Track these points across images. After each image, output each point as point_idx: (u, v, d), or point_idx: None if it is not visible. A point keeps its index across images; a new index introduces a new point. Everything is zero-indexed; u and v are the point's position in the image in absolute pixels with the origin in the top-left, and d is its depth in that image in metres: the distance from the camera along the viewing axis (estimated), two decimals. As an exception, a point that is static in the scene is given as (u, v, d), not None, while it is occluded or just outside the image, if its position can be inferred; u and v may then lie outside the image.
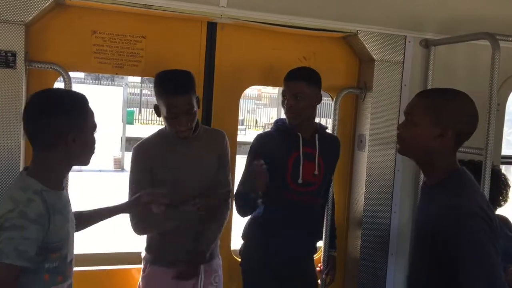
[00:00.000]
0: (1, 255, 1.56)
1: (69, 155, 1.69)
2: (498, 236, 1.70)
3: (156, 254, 2.44)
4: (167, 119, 2.30)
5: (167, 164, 2.37)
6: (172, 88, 2.26)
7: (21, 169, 2.41)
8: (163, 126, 2.46)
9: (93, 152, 1.77)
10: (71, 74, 2.53)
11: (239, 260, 2.70)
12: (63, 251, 1.74)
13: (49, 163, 1.69)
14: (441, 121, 1.74)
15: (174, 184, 2.36)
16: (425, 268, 1.78)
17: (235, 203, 2.48)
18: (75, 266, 2.69)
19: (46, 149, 1.69)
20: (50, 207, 1.67)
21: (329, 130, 2.75)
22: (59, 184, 1.74)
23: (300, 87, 2.43)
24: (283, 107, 2.51)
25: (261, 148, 2.52)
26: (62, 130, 1.65)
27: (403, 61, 2.95)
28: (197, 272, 2.39)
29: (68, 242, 1.77)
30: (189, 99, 2.27)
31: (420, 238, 1.82)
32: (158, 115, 2.37)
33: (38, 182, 1.67)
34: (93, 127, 1.75)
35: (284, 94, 2.50)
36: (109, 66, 2.64)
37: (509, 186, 2.87)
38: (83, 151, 1.72)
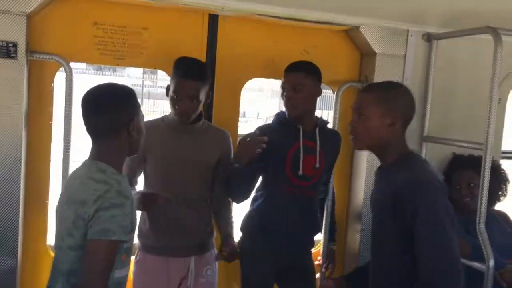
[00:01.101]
0: (108, 233, 1.62)
1: (129, 142, 1.80)
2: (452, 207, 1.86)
3: (147, 242, 2.47)
4: (171, 98, 2.38)
5: (163, 148, 2.41)
6: (185, 71, 2.36)
7: (23, 160, 2.42)
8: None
9: (142, 141, 1.87)
10: (73, 64, 2.53)
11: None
12: (134, 233, 1.81)
13: (113, 150, 1.79)
14: (391, 112, 1.92)
15: (167, 169, 2.38)
16: (389, 240, 1.91)
17: (226, 186, 2.49)
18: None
19: (110, 138, 1.78)
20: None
21: (330, 124, 2.75)
22: (121, 168, 1.83)
23: (299, 78, 2.45)
24: (283, 99, 2.51)
25: None
26: (125, 119, 1.77)
27: (405, 55, 2.94)
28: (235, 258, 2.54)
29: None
30: (196, 86, 2.35)
31: (381, 212, 1.96)
32: (167, 94, 2.45)
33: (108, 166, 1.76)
34: (143, 116, 1.87)
35: (283, 86, 2.51)
36: (110, 58, 2.64)
37: (509, 181, 2.88)
38: (138, 138, 1.83)
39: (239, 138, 2.96)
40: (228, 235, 2.57)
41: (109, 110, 1.77)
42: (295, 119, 2.51)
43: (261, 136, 2.40)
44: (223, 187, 2.51)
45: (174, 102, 2.38)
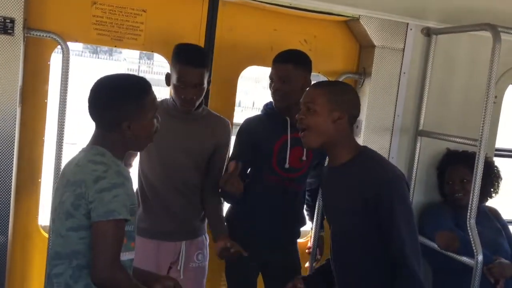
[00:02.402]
0: (114, 213, 1.63)
1: (123, 140, 1.76)
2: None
3: (139, 224, 2.44)
4: (175, 87, 2.34)
5: (160, 134, 2.37)
6: (188, 58, 2.32)
7: (16, 137, 2.41)
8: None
9: (150, 140, 1.84)
10: (69, 46, 2.50)
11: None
12: (136, 217, 1.81)
13: (107, 142, 1.77)
14: (339, 107, 1.98)
15: (163, 155, 2.37)
16: (363, 241, 1.95)
17: (221, 195, 2.47)
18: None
19: (103, 131, 1.78)
20: None
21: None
22: (122, 158, 1.81)
23: (287, 70, 2.40)
24: (270, 90, 2.48)
25: (247, 132, 2.51)
26: (116, 117, 1.73)
27: (404, 49, 2.94)
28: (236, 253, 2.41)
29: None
30: (201, 73, 2.32)
31: (352, 217, 1.98)
32: (168, 84, 2.41)
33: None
34: (151, 116, 1.79)
35: (271, 77, 2.47)
36: (108, 38, 2.62)
37: (501, 178, 2.90)
38: (138, 138, 1.78)
39: (233, 127, 2.97)
40: (226, 232, 2.45)
41: (100, 104, 1.76)
42: (283, 111, 2.48)
43: (235, 164, 2.28)
44: (216, 191, 2.48)
45: (179, 91, 2.34)
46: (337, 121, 1.97)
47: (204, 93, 2.40)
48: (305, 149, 2.47)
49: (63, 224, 1.71)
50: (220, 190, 2.41)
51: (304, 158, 2.48)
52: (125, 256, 1.73)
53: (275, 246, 2.56)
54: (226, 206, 2.69)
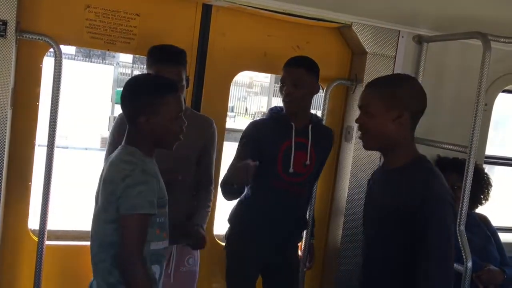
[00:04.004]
0: (137, 208, 1.78)
1: (143, 133, 1.88)
2: (456, 216, 1.91)
3: None
4: None
5: None
6: (163, 57, 2.34)
7: (7, 138, 2.40)
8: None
9: (173, 139, 1.94)
10: (62, 49, 2.50)
11: (222, 244, 2.71)
12: (166, 209, 1.94)
13: (136, 139, 1.91)
14: (396, 105, 1.86)
15: None
16: (391, 244, 1.91)
17: (221, 189, 2.47)
18: (71, 241, 2.65)
19: (130, 127, 1.92)
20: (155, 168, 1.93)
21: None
22: (151, 154, 1.93)
23: (300, 74, 2.43)
24: (281, 93, 2.50)
25: (253, 135, 2.52)
26: (135, 109, 1.88)
27: (395, 56, 2.96)
28: (202, 246, 2.43)
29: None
30: (178, 70, 2.34)
31: (387, 215, 1.93)
32: None
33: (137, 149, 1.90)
34: (172, 116, 1.88)
35: (283, 81, 2.48)
36: (101, 42, 2.62)
37: (491, 185, 2.92)
38: (155, 134, 1.89)
39: (226, 133, 2.97)
40: (197, 224, 2.45)
41: (124, 100, 1.92)
42: (289, 115, 2.50)
43: (253, 162, 2.24)
44: (204, 187, 2.51)
45: None
46: (397, 120, 1.85)
47: (184, 91, 2.39)
48: (308, 154, 2.49)
49: (101, 217, 1.88)
50: (223, 184, 2.41)
51: (308, 162, 2.50)
52: (158, 245, 1.89)
53: (276, 249, 2.56)
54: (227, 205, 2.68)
